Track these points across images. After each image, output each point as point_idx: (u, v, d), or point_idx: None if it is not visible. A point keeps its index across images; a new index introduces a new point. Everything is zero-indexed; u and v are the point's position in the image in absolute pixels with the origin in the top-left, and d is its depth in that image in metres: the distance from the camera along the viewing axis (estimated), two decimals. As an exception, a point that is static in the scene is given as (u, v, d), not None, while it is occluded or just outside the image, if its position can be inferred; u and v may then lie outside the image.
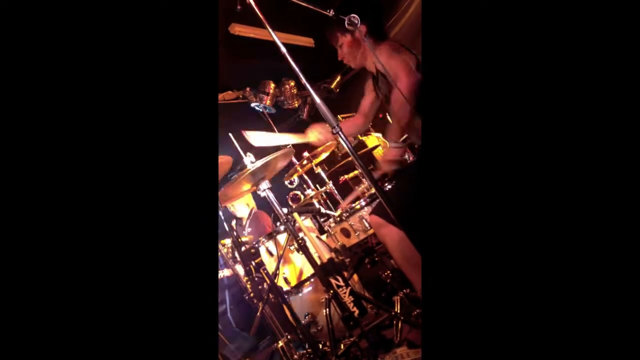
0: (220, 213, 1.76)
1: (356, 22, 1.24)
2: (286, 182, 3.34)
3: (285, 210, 1.99)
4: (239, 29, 3.11)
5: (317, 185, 3.28)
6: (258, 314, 1.76)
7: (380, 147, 3.50)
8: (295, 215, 2.29)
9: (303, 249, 1.88)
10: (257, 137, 1.87)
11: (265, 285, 1.84)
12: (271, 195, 1.89)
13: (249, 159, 1.80)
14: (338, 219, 2.55)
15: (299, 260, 2.46)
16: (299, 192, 3.32)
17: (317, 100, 1.24)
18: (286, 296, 2.14)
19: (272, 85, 3.73)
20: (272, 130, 2.84)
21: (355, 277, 2.45)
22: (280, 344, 1.73)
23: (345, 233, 2.52)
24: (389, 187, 2.12)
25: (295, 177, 3.20)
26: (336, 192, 3.09)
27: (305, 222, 2.56)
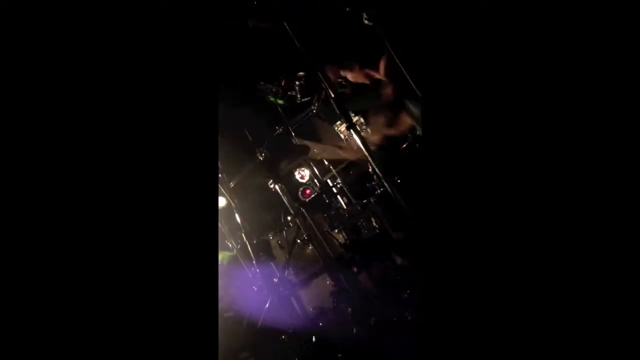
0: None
1: (373, 16, 1.24)
2: (297, 177, 3.34)
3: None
4: (254, 23, 3.11)
5: (328, 181, 3.28)
6: (267, 305, 1.77)
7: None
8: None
9: (313, 243, 1.89)
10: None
11: (275, 278, 1.85)
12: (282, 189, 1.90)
13: (262, 153, 1.81)
14: (347, 214, 2.55)
15: (309, 253, 2.48)
16: (309, 187, 3.32)
17: (331, 94, 1.24)
18: (295, 289, 2.15)
19: (286, 79, 3.72)
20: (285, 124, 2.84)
21: (364, 272, 2.45)
22: (288, 336, 1.75)
23: (355, 229, 2.52)
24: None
25: (306, 172, 3.20)
26: (347, 187, 3.09)
27: (315, 217, 2.57)
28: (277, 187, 1.93)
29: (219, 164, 1.70)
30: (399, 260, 2.43)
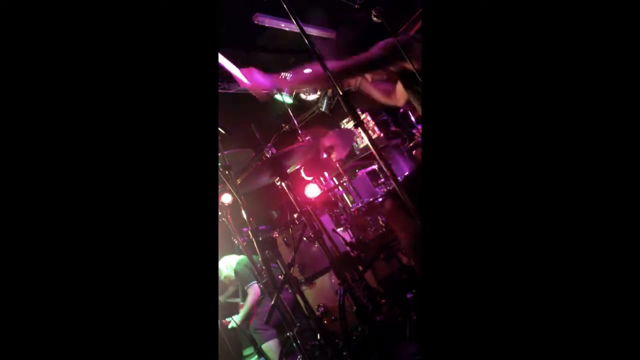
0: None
1: (381, 13, 1.23)
2: (303, 174, 3.35)
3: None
4: (262, 19, 3.11)
5: (334, 179, 3.28)
6: (272, 303, 1.77)
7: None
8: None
9: (319, 241, 1.89)
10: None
11: (280, 275, 1.86)
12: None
13: (269, 150, 1.81)
14: (355, 212, 2.54)
15: (314, 251, 2.48)
16: (316, 185, 3.32)
17: (339, 92, 1.23)
18: (301, 287, 2.16)
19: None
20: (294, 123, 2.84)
21: (369, 271, 2.45)
22: (293, 333, 1.75)
23: (362, 227, 2.52)
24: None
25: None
26: (353, 186, 3.09)
27: (321, 215, 2.57)
28: (283, 184, 1.93)
29: (226, 161, 1.70)
30: (404, 259, 2.42)
